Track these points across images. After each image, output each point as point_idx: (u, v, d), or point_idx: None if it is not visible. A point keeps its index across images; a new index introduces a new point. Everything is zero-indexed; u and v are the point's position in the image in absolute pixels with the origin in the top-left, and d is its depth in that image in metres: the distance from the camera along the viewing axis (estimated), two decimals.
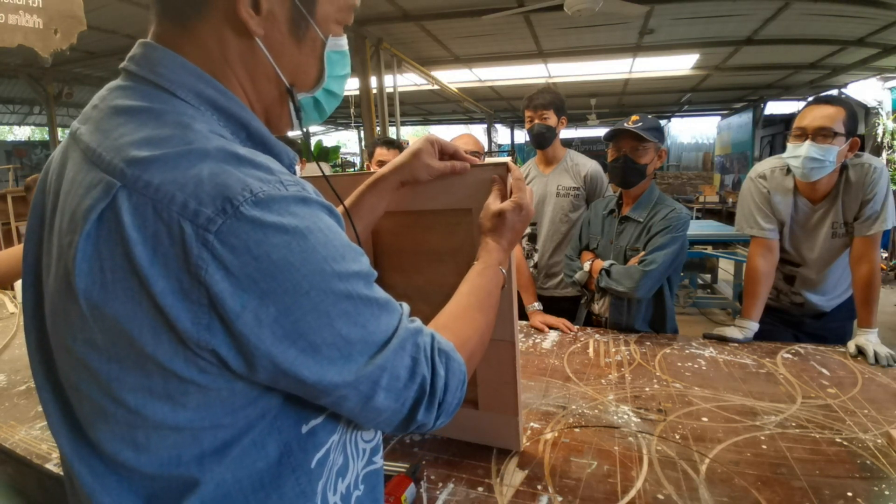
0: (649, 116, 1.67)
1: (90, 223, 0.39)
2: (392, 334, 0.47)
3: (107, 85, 0.48)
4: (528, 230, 2.15)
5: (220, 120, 0.47)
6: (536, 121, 2.10)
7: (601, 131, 5.61)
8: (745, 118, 11.38)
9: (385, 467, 0.93)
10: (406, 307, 0.53)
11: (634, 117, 1.66)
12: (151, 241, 0.38)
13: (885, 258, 5.86)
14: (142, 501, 0.44)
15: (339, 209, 0.78)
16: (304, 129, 0.59)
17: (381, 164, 2.33)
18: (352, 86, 7.57)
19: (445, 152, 0.85)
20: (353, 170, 10.51)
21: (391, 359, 0.46)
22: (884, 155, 6.56)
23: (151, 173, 0.39)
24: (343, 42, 0.56)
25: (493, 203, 0.80)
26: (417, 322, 0.53)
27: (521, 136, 16.32)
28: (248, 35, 0.48)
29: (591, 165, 2.21)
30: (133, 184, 0.39)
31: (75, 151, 0.45)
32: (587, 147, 14.58)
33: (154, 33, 0.48)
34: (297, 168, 2.45)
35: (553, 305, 2.00)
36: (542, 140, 2.14)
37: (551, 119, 2.09)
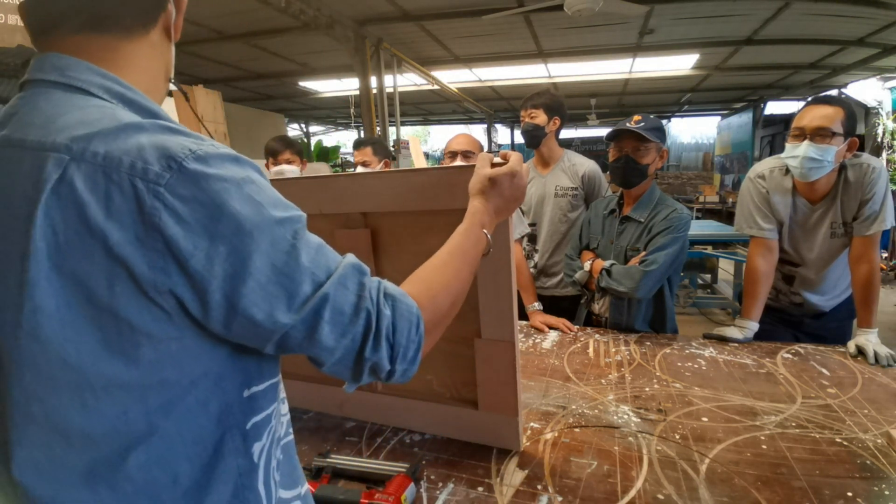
0: (651, 116, 1.67)
1: (45, 193, 0.43)
2: (333, 271, 0.51)
3: (13, 98, 0.51)
4: (528, 230, 2.15)
5: (133, 111, 0.51)
6: (526, 119, 2.16)
7: (601, 131, 5.58)
8: (745, 118, 11.36)
9: (385, 467, 0.93)
10: (351, 255, 0.56)
11: (636, 117, 1.65)
12: (104, 200, 0.42)
13: (885, 258, 5.86)
14: (76, 478, 0.46)
15: None
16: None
17: (361, 164, 2.42)
18: (352, 86, 7.58)
19: None
20: (352, 170, 10.51)
21: (332, 293, 0.50)
22: (884, 155, 6.55)
23: (96, 145, 0.44)
24: None
25: (484, 168, 0.79)
26: (366, 266, 0.56)
27: (521, 136, 16.33)
28: (168, 40, 0.58)
29: (588, 165, 2.22)
30: (81, 155, 0.43)
31: (4, 150, 0.47)
32: (587, 147, 14.57)
33: (55, 46, 0.51)
34: (297, 169, 2.45)
35: (553, 305, 2.00)
36: (530, 138, 2.19)
37: (539, 118, 2.13)
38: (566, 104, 2.19)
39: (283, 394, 0.64)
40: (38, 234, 0.42)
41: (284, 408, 0.64)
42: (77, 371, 0.44)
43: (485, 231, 0.74)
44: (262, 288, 0.46)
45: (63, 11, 0.50)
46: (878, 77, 6.96)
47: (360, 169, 2.49)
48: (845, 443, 0.99)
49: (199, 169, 0.44)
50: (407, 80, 7.16)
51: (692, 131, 15.03)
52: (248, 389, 0.53)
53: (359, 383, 0.55)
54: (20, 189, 0.44)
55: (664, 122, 13.65)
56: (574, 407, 1.18)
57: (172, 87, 0.67)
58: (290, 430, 0.66)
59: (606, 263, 1.69)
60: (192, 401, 0.48)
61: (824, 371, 1.34)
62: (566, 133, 15.54)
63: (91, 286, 0.43)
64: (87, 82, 0.49)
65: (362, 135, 8.41)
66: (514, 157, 0.81)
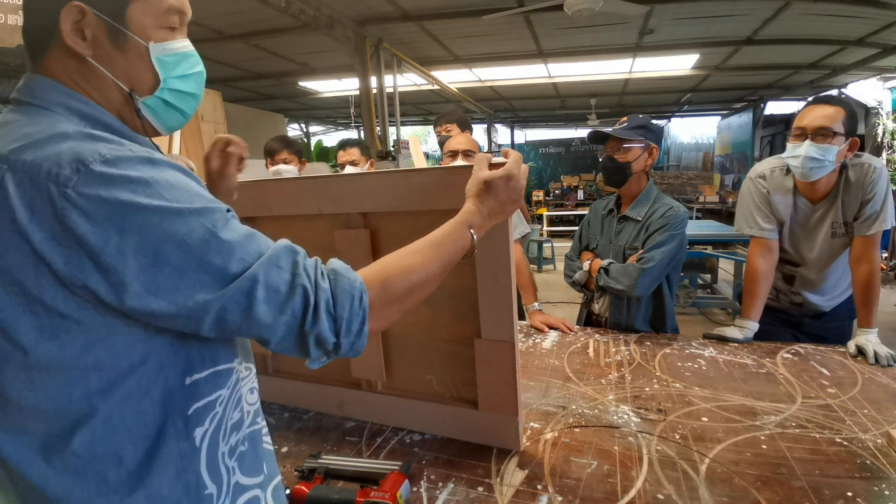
0: (639, 116, 1.69)
1: None
2: (263, 253, 0.53)
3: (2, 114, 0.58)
4: (528, 230, 2.17)
5: (88, 125, 0.55)
6: (443, 133, 2.53)
7: None
8: (745, 118, 11.35)
9: (378, 466, 0.94)
10: (284, 240, 0.58)
11: (623, 119, 1.71)
12: (29, 203, 0.47)
13: (885, 258, 5.85)
14: (34, 450, 0.51)
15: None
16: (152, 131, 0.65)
17: (343, 165, 2.48)
18: (352, 86, 7.57)
19: (229, 143, 0.90)
20: (337, 169, 10.49)
21: (262, 273, 0.52)
22: (884, 155, 6.54)
23: (26, 154, 0.49)
24: (177, 45, 0.62)
25: (481, 171, 0.80)
26: (300, 248, 0.58)
27: (521, 136, 16.33)
28: (82, 57, 0.57)
29: None
30: (14, 164, 0.48)
31: None
32: (587, 147, 14.57)
33: (30, 67, 0.59)
34: (294, 168, 2.45)
35: None
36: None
37: (454, 131, 2.48)
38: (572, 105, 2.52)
39: (252, 384, 0.67)
40: None
41: (253, 398, 0.67)
42: (22, 350, 0.49)
43: (471, 231, 0.73)
44: (180, 273, 0.49)
45: (24, 41, 0.59)
46: (878, 77, 6.96)
47: (348, 168, 2.52)
48: (845, 443, 0.98)
49: (104, 171, 0.48)
50: (407, 80, 7.16)
51: (692, 131, 15.01)
52: (190, 377, 0.56)
53: (311, 358, 0.56)
54: None
55: (664, 122, 13.58)
56: (574, 407, 1.18)
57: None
58: (259, 419, 0.69)
59: (604, 262, 1.69)
60: (134, 385, 0.52)
61: (824, 371, 1.34)
62: (566, 133, 15.56)
63: (21, 279, 0.48)
64: (47, 101, 0.55)
65: (362, 135, 8.40)
66: (512, 158, 0.81)
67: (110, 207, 0.47)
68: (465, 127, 2.54)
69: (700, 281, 5.40)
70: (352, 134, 13.54)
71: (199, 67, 0.66)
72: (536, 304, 1.90)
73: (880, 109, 6.80)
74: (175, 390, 0.55)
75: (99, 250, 0.47)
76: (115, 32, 0.57)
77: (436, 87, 7.63)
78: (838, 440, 0.99)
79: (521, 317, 1.95)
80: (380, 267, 0.63)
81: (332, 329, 0.55)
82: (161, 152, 0.61)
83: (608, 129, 1.67)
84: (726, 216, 9.21)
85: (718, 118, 13.25)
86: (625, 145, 1.66)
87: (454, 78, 7.85)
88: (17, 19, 1.78)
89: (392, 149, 5.98)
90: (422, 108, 11.31)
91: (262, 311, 0.51)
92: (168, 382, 0.55)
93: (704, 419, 1.10)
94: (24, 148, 0.49)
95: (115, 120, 0.59)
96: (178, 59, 0.63)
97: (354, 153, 2.53)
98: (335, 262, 0.59)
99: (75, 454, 0.51)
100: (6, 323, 0.49)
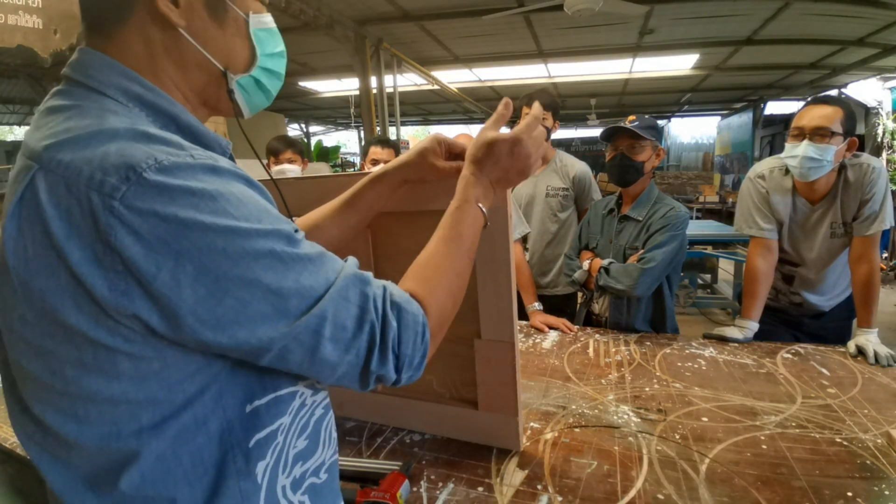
0: (646, 117, 1.70)
1: (13, 204, 0.42)
2: (332, 283, 0.48)
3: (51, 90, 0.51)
4: (528, 230, 2.16)
5: (150, 115, 0.49)
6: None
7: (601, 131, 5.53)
8: (745, 118, 11.36)
9: (378, 466, 0.94)
10: (352, 259, 0.53)
11: (631, 117, 1.70)
12: (66, 215, 0.40)
13: (885, 258, 5.86)
14: (81, 483, 0.46)
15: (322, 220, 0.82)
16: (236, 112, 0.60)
17: (376, 162, 2.34)
18: (352, 86, 7.57)
19: (453, 151, 0.83)
20: (352, 170, 10.51)
21: (331, 308, 0.46)
22: (884, 155, 6.55)
23: (63, 153, 0.42)
24: (268, 20, 0.58)
25: (488, 130, 0.71)
26: (368, 274, 0.52)
27: None
28: (171, 28, 0.50)
29: (579, 167, 2.26)
30: (48, 164, 0.42)
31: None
32: (587, 147, 14.58)
33: (88, 41, 0.51)
34: (298, 168, 2.45)
35: (544, 303, 2.01)
36: None
37: (548, 120, 2.15)
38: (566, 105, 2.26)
39: (327, 401, 0.61)
40: (8, 245, 0.42)
41: (329, 417, 0.61)
42: (63, 380, 0.43)
43: (480, 205, 0.67)
44: (244, 306, 0.42)
45: (86, 9, 0.50)
46: (878, 77, 6.96)
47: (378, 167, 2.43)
48: (845, 443, 0.99)
49: (161, 180, 0.40)
50: (407, 80, 7.16)
51: (692, 131, 15.02)
52: (251, 404, 0.49)
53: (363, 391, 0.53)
54: (9, 192, 0.44)
55: (664, 122, 13.60)
56: (574, 407, 1.18)
57: None
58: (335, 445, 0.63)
59: (605, 262, 1.69)
60: (189, 419, 0.46)
61: (824, 371, 1.34)
62: (566, 133, 15.55)
63: (57, 307, 0.41)
64: (104, 83, 0.48)
65: (363, 135, 8.39)
66: (526, 121, 0.72)
67: (167, 226, 0.40)
68: (558, 117, 2.26)
69: (700, 281, 5.40)
70: (351, 134, 13.53)
71: (283, 47, 0.60)
72: (536, 304, 1.90)
73: (880, 109, 6.80)
74: (234, 420, 0.48)
75: (151, 277, 0.40)
76: (215, 1, 0.51)
77: (436, 87, 7.63)
78: (838, 440, 0.99)
79: (522, 317, 1.95)
80: (425, 285, 0.58)
81: (395, 367, 0.51)
82: (231, 155, 0.56)
83: (628, 125, 1.66)
84: (726, 216, 9.21)
85: (718, 118, 13.26)
86: (641, 143, 1.66)
87: (454, 78, 7.86)
88: (16, 19, 1.78)
89: None
90: (422, 108, 11.31)
91: (327, 350, 0.46)
92: (227, 412, 0.48)
93: (704, 419, 1.10)
94: (61, 145, 0.42)
95: (182, 111, 0.51)
96: (269, 34, 0.58)
97: (391, 154, 2.36)
98: (396, 293, 0.53)
99: (123, 495, 0.45)
100: (44, 349, 0.43)
